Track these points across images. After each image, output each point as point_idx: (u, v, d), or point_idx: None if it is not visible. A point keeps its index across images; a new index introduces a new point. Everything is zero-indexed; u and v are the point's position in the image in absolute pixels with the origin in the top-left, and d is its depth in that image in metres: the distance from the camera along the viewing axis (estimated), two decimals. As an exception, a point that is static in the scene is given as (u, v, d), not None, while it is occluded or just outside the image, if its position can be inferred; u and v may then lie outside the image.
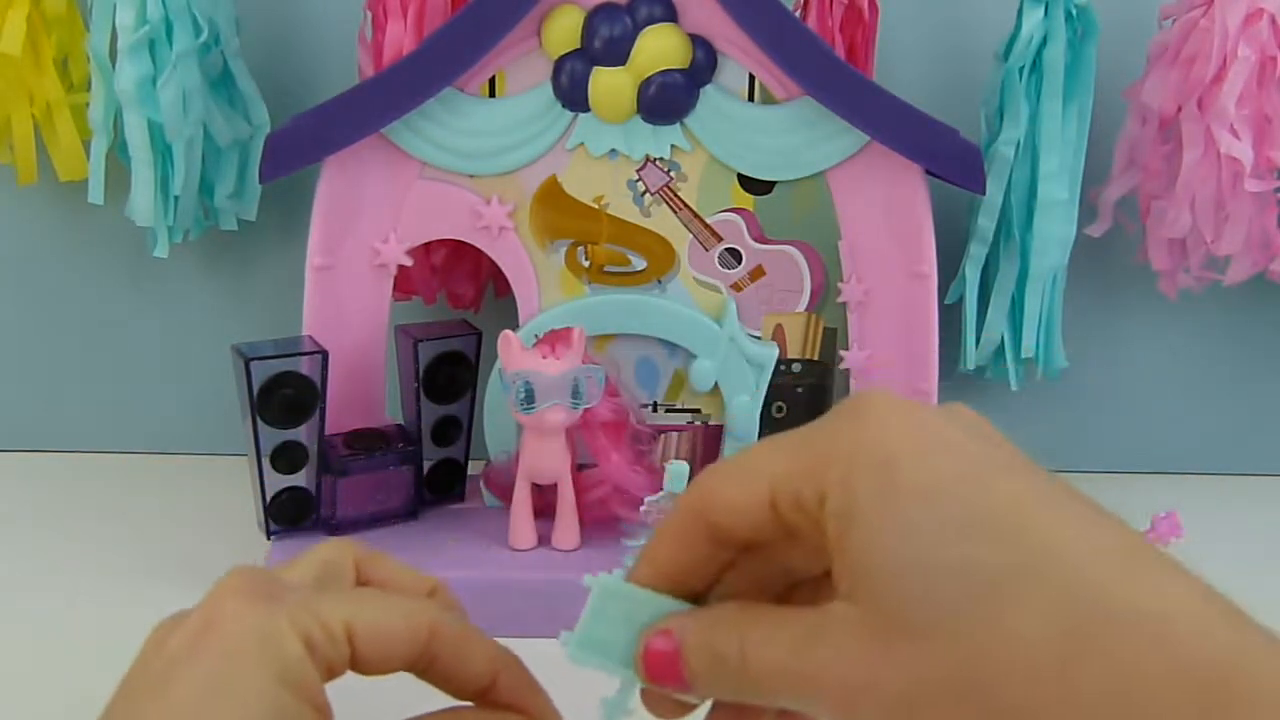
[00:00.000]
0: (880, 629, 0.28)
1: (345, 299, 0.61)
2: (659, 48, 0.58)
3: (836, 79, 0.58)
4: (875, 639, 0.28)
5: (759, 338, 0.63)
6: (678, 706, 0.34)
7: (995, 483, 0.28)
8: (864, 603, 0.28)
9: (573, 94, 0.59)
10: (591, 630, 0.34)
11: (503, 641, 0.39)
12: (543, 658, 0.54)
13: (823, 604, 0.30)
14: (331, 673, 0.35)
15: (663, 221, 0.62)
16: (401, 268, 0.62)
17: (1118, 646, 0.26)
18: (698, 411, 0.65)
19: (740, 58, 0.59)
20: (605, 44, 0.58)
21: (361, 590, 0.39)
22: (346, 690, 0.35)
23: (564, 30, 0.58)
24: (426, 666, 0.37)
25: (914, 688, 0.27)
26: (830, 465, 0.29)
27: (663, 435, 0.65)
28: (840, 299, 0.63)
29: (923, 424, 0.29)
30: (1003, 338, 0.68)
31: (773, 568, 0.34)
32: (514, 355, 0.57)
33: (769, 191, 0.62)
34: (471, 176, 0.61)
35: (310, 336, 0.60)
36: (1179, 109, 0.64)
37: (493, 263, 0.63)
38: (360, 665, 0.35)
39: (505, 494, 0.61)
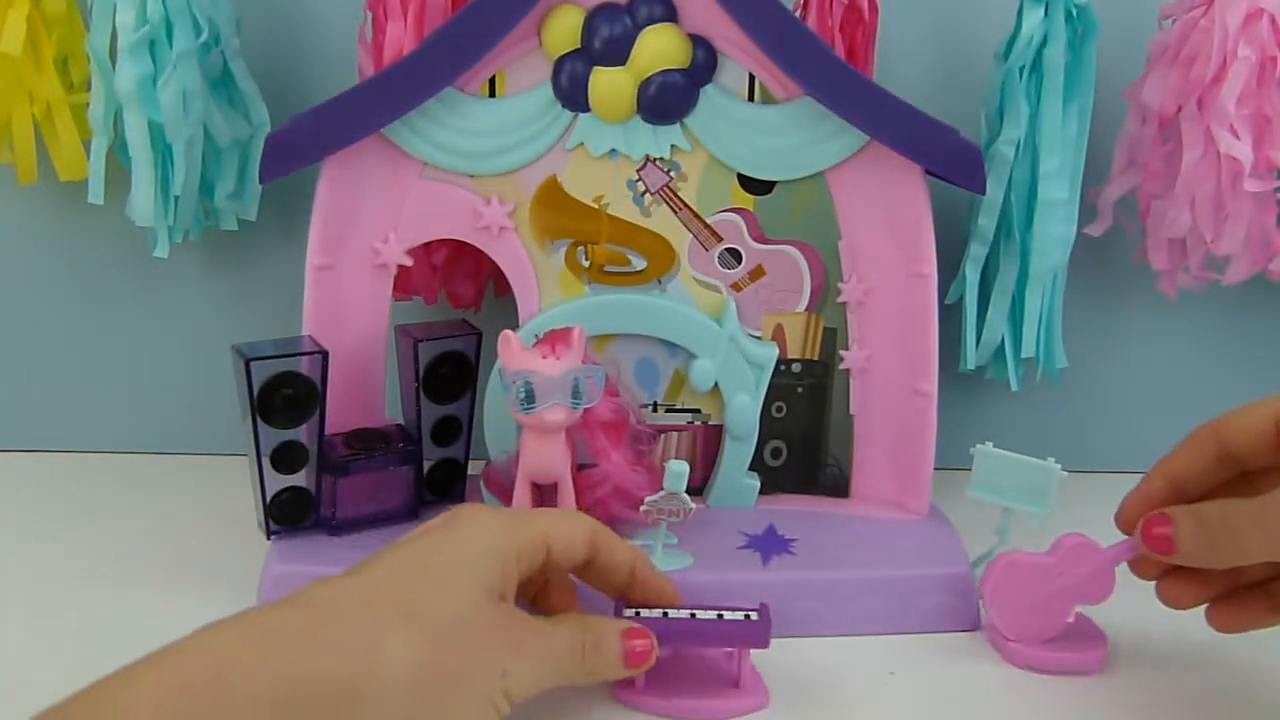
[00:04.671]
0: None
1: (345, 299, 0.61)
2: (659, 48, 0.58)
3: (836, 79, 0.58)
4: None
5: (759, 338, 0.63)
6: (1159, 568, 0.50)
7: None
8: None
9: (573, 94, 0.59)
10: (981, 478, 0.56)
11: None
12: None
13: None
14: (532, 567, 0.48)
15: (663, 221, 0.62)
16: (402, 268, 0.62)
17: None
18: (698, 411, 0.65)
19: (740, 58, 0.59)
20: (605, 44, 0.58)
21: (549, 510, 0.56)
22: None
23: (564, 30, 0.58)
24: (589, 564, 0.49)
25: None
26: None
27: (663, 435, 0.65)
28: (840, 299, 0.63)
29: None
30: (1003, 338, 0.68)
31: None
32: (514, 355, 0.56)
33: (769, 191, 0.62)
34: (471, 176, 0.61)
35: (310, 336, 0.60)
36: (1179, 109, 0.64)
37: (493, 263, 0.63)
38: (551, 564, 0.48)
39: (505, 494, 0.61)
